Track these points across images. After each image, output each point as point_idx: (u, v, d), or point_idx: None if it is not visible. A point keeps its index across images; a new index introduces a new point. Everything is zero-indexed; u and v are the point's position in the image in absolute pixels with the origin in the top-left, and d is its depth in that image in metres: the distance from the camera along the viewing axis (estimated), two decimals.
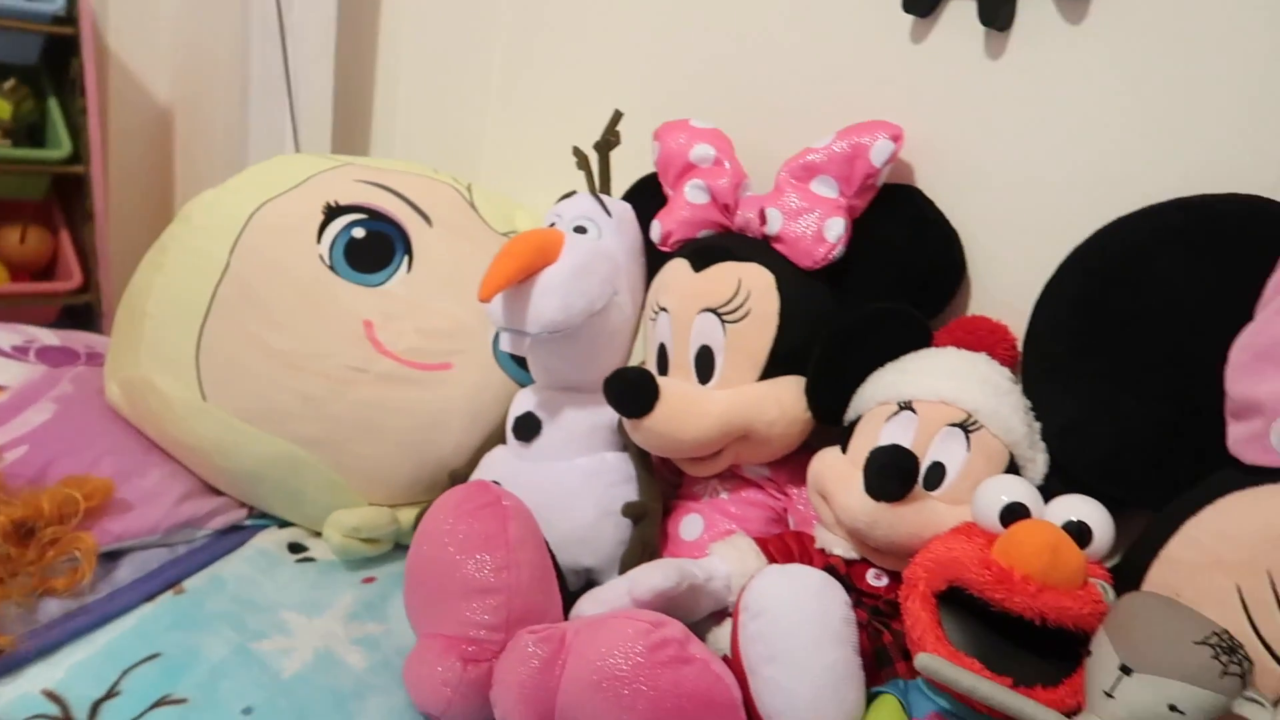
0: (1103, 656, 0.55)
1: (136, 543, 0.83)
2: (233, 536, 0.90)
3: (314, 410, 0.89)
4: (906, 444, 0.68)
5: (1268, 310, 0.62)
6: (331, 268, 0.95)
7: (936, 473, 0.69)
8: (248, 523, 0.94)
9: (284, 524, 0.95)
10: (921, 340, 0.77)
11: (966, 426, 0.69)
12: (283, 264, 0.94)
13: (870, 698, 0.62)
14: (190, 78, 1.84)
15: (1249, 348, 0.62)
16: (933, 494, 0.68)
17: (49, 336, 1.09)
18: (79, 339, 1.10)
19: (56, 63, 1.70)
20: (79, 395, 0.95)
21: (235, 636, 0.74)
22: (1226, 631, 0.53)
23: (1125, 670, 0.53)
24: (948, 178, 0.82)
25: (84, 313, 1.74)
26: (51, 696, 0.65)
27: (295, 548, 0.91)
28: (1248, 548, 0.59)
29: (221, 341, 0.91)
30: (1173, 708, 0.52)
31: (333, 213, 0.97)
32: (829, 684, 0.59)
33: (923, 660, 0.57)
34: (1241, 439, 0.62)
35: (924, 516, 0.66)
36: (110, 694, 0.66)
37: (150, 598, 0.78)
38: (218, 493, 0.93)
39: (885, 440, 0.69)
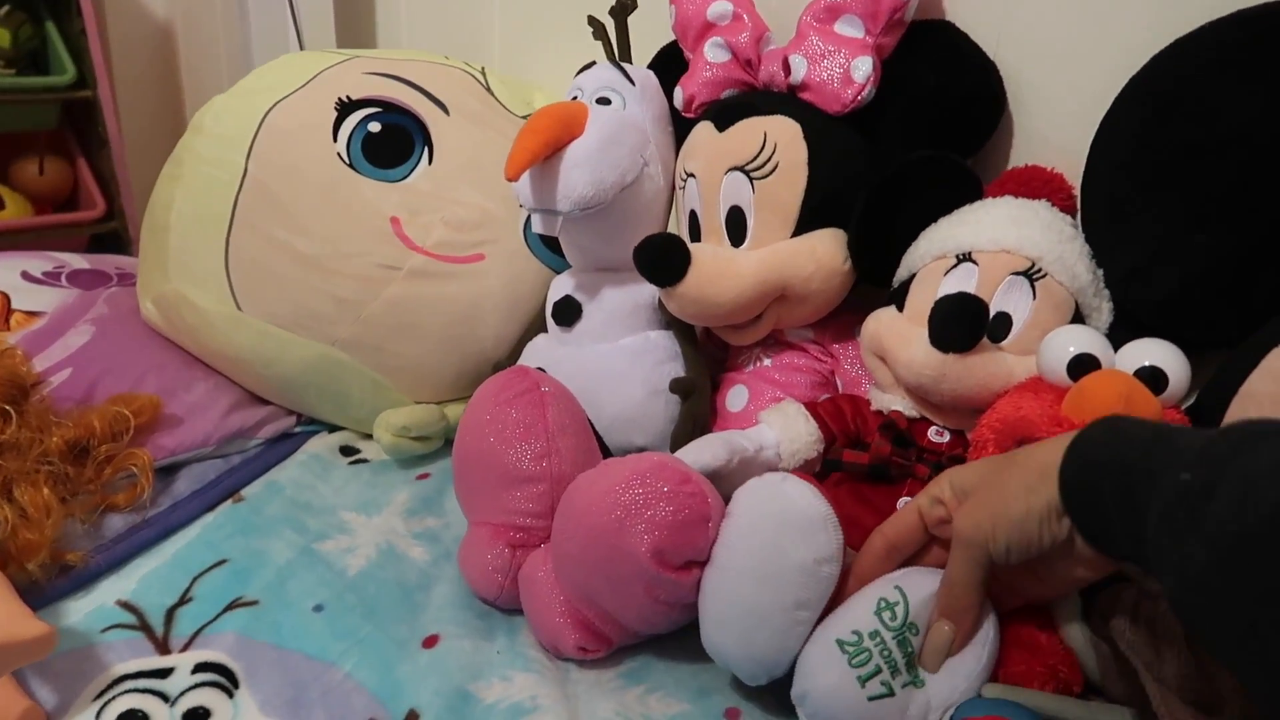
0: None
1: (190, 455, 0.84)
2: (285, 444, 0.91)
3: (349, 312, 0.87)
4: None
5: None
6: (351, 165, 0.92)
7: (1002, 323, 0.66)
8: (298, 429, 0.94)
9: (334, 428, 0.95)
10: (972, 191, 0.73)
11: (1031, 274, 0.66)
12: (301, 165, 0.91)
13: None
14: None
15: None
16: (1000, 345, 0.65)
17: (79, 261, 1.08)
18: (108, 261, 1.09)
19: None
20: (115, 315, 0.94)
21: (298, 539, 0.75)
22: None
23: None
24: (983, 9, 0.75)
25: (112, 240, 1.74)
26: (126, 606, 0.67)
27: (347, 450, 0.91)
28: None
29: (249, 250, 0.89)
30: None
31: (346, 108, 0.93)
32: (740, 616, 0.56)
33: None
34: None
35: (992, 367, 0.63)
36: (183, 600, 0.67)
37: (210, 507, 0.79)
38: (265, 402, 0.93)
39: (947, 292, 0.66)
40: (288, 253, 0.88)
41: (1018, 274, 0.66)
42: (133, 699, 0.58)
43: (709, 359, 0.82)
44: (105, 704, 0.57)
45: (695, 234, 0.79)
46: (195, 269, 0.90)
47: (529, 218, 0.91)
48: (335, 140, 0.92)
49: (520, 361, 0.86)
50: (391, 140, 0.93)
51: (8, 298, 0.96)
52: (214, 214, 0.90)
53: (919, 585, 0.54)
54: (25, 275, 1.02)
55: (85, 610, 0.66)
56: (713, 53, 0.80)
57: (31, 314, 0.95)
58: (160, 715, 0.57)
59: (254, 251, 0.89)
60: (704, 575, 0.58)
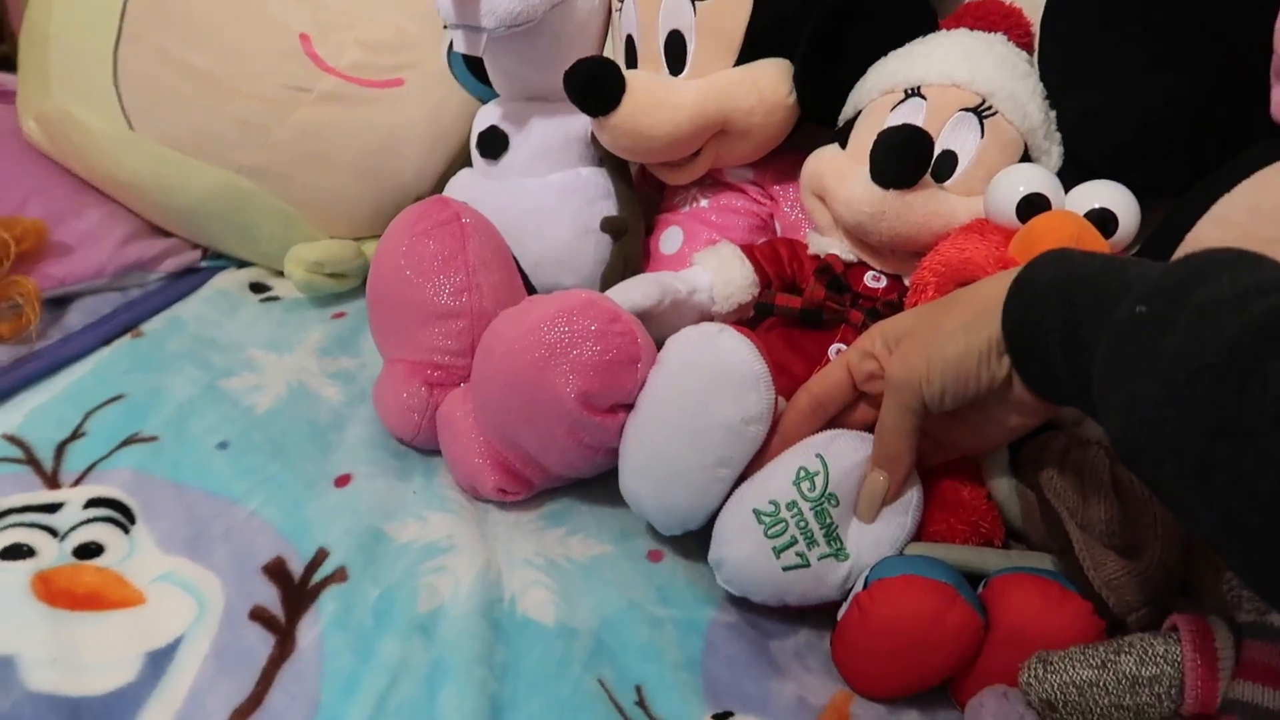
0: None
1: (83, 286, 0.78)
2: (189, 279, 0.85)
3: (254, 137, 0.80)
4: None
5: None
6: None
7: (947, 162, 0.63)
8: (204, 264, 0.88)
9: (243, 264, 0.89)
10: (926, 22, 0.69)
11: (980, 111, 0.62)
12: None
13: None
14: None
15: None
16: (943, 185, 0.62)
17: None
18: None
19: None
20: None
21: (201, 375, 0.70)
22: None
23: None
24: None
25: (3, 65, 1.59)
26: (12, 440, 0.62)
27: (257, 287, 0.86)
28: None
29: (139, 64, 0.80)
30: None
31: None
32: (659, 467, 0.54)
33: None
34: None
35: (933, 205, 0.60)
36: (75, 435, 0.63)
37: (106, 342, 0.74)
38: (166, 234, 0.86)
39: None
40: (183, 68, 0.80)
41: (967, 110, 0.63)
42: (17, 533, 0.54)
43: (643, 201, 0.78)
44: None
45: (631, 61, 0.74)
46: (80, 84, 0.81)
47: (452, 39, 0.84)
48: None
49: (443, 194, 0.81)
50: None
51: None
52: (99, 23, 0.81)
53: (841, 454, 0.52)
54: None
55: None
56: None
57: None
58: (48, 550, 0.53)
59: (145, 66, 0.80)
60: (627, 421, 0.56)
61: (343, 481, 0.61)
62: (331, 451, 0.64)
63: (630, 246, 0.73)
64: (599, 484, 0.62)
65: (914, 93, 0.64)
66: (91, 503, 0.57)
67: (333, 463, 0.63)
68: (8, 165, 0.82)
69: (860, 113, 0.68)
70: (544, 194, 0.75)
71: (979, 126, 0.63)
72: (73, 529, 0.55)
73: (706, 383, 0.52)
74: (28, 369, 0.69)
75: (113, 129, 0.80)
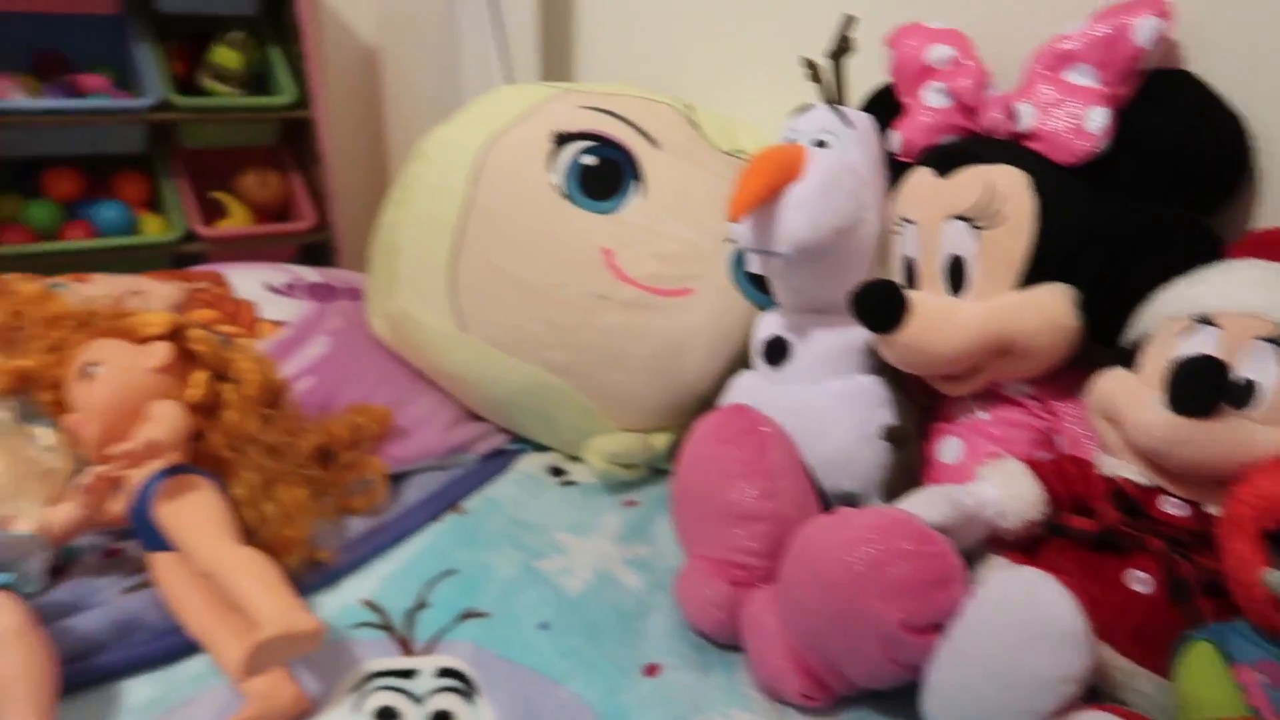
0: None
1: (417, 466, 0.90)
2: (497, 460, 0.96)
3: (563, 338, 0.92)
4: None
5: None
6: (567, 196, 0.96)
7: (1245, 391, 0.63)
8: (509, 447, 0.99)
9: (540, 448, 0.99)
10: (1211, 252, 0.70)
11: (1279, 341, 0.63)
12: (521, 194, 0.96)
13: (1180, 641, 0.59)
14: (394, 18, 1.90)
15: None
16: (1244, 414, 0.63)
17: (310, 274, 1.18)
18: (334, 275, 1.18)
19: (269, 11, 1.80)
20: (347, 329, 1.02)
21: (518, 555, 0.79)
22: None
23: None
24: (1228, 58, 0.72)
25: (319, 250, 1.87)
26: (371, 606, 0.72)
27: (556, 471, 0.96)
28: None
29: (472, 273, 0.94)
30: None
31: (562, 141, 0.98)
32: (968, 707, 0.56)
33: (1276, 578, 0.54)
34: None
35: (1237, 436, 0.61)
36: (420, 605, 0.72)
37: (435, 517, 0.85)
38: (479, 418, 0.99)
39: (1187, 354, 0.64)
40: (507, 278, 0.93)
41: (1264, 339, 0.63)
42: (386, 696, 0.63)
43: (916, 407, 0.82)
44: (362, 698, 0.62)
45: (910, 281, 0.79)
46: (421, 289, 0.96)
47: (735, 253, 0.93)
48: (551, 171, 0.97)
49: (728, 396, 0.88)
50: (605, 173, 0.97)
51: (255, 307, 1.06)
52: (440, 238, 0.96)
53: None
54: (267, 286, 1.12)
55: (334, 607, 0.72)
56: (932, 98, 0.81)
57: (275, 323, 1.04)
58: (410, 714, 0.61)
59: (477, 275, 0.94)
60: (940, 647, 0.58)
61: (652, 671, 0.66)
62: (639, 639, 0.70)
63: (911, 454, 0.76)
64: (898, 696, 0.63)
65: (1205, 321, 0.65)
66: (442, 672, 0.65)
67: (641, 650, 0.68)
68: (362, 355, 0.98)
69: (1146, 335, 0.69)
70: (825, 400, 0.80)
71: (1278, 356, 0.63)
72: (429, 694, 0.63)
73: (1026, 634, 0.54)
74: (377, 540, 0.80)
75: (445, 328, 0.95)
